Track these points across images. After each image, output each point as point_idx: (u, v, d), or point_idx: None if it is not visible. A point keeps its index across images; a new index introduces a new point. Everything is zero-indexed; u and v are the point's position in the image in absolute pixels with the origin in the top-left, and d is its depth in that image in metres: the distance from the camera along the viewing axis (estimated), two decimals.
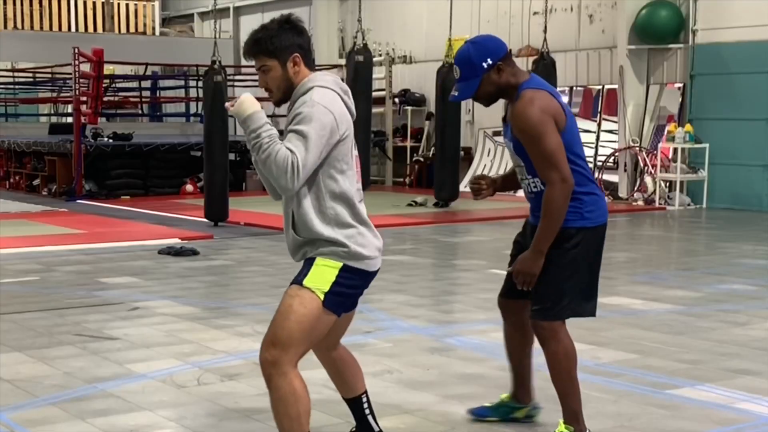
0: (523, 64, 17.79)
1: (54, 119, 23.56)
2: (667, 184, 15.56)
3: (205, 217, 12.51)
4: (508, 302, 4.36)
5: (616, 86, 16.24)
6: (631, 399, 4.85)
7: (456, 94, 4.12)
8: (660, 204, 15.22)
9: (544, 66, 14.75)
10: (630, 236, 12.54)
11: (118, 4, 24.99)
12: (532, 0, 17.79)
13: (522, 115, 3.95)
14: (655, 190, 15.39)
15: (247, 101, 3.49)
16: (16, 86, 24.62)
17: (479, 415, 4.54)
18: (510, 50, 4.15)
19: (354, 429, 4.06)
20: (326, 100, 3.51)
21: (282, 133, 3.52)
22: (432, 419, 4.55)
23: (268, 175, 3.47)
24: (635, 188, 15.88)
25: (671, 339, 6.22)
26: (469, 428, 4.45)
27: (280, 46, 3.56)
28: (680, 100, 15.78)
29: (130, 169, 17.05)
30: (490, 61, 4.02)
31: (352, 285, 3.59)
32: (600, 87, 17.10)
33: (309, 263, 3.57)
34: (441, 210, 14.54)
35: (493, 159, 18.27)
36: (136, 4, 25.25)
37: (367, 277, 3.62)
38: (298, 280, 3.56)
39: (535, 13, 17.70)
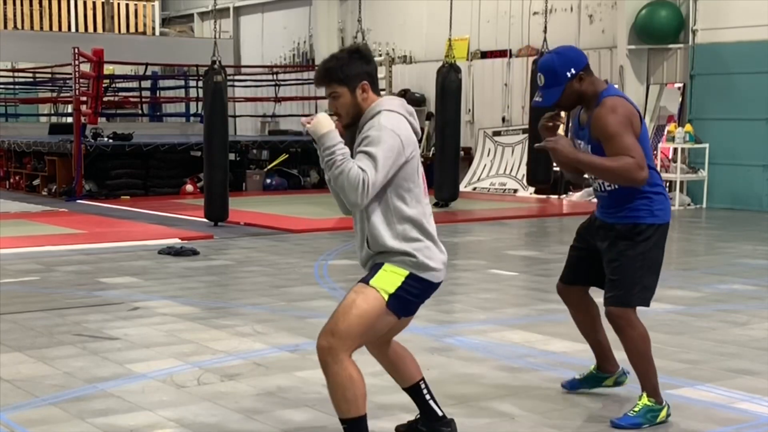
0: (523, 64, 17.83)
1: (54, 119, 23.54)
2: (667, 184, 15.55)
3: (205, 217, 12.51)
4: (566, 287, 4.78)
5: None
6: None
7: (540, 100, 4.44)
8: None
9: None
10: None
11: (118, 4, 25.01)
12: (532, 0, 17.79)
13: (604, 119, 4.29)
14: None
15: (324, 120, 3.72)
16: (16, 86, 24.61)
17: (571, 387, 4.92)
18: (588, 62, 4.48)
19: (417, 416, 4.24)
20: (393, 123, 3.74)
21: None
22: None
23: (339, 190, 3.69)
24: None
25: (671, 339, 6.22)
26: (468, 428, 4.45)
27: (351, 74, 3.80)
28: (680, 100, 15.78)
29: (130, 169, 17.03)
30: (573, 71, 4.37)
31: (415, 293, 3.81)
32: None
33: (377, 267, 3.81)
34: (441, 210, 14.54)
35: (493, 159, 18.27)
36: (136, 4, 25.27)
37: (430, 287, 3.85)
38: (365, 280, 3.79)
39: (535, 13, 17.70)
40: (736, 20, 14.83)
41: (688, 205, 15.28)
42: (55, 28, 24.13)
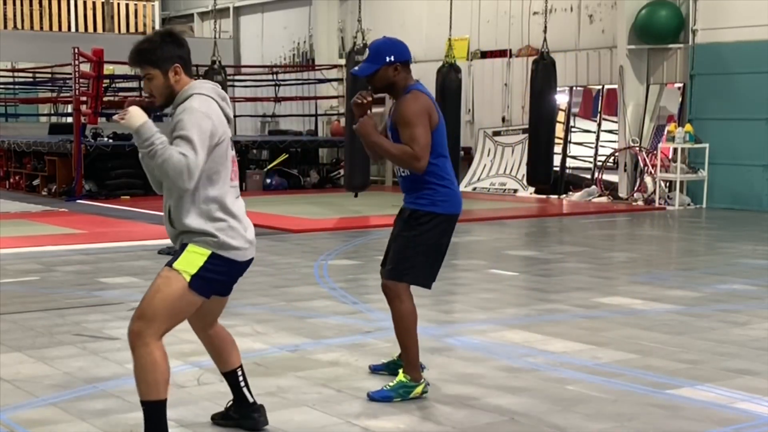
0: (523, 64, 17.83)
1: (54, 119, 23.54)
2: (667, 184, 15.56)
3: None
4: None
5: (616, 86, 16.25)
6: (631, 399, 4.85)
7: (356, 69, 4.97)
8: (660, 204, 15.23)
9: (544, 66, 14.75)
10: (630, 236, 12.54)
11: (118, 4, 25.02)
12: (532, 0, 17.79)
13: (404, 106, 4.77)
14: (655, 190, 15.40)
15: (136, 113, 3.79)
16: (16, 86, 24.60)
17: (375, 369, 5.29)
18: (410, 60, 4.93)
19: (231, 402, 4.43)
20: (204, 106, 3.85)
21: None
22: (432, 419, 4.55)
23: (163, 177, 3.78)
24: (635, 188, 15.88)
25: (671, 339, 6.22)
26: (468, 428, 4.45)
27: (162, 57, 3.90)
28: (680, 100, 15.78)
29: (130, 169, 16.98)
30: (393, 59, 4.83)
31: (219, 271, 3.97)
32: (600, 87, 17.11)
33: (182, 249, 3.96)
34: None
35: (493, 159, 18.27)
36: (136, 4, 25.28)
37: (236, 266, 4.04)
38: (169, 263, 3.95)
39: (535, 13, 17.70)
40: (736, 20, 14.84)
41: (688, 205, 15.28)
42: (55, 28, 24.13)
